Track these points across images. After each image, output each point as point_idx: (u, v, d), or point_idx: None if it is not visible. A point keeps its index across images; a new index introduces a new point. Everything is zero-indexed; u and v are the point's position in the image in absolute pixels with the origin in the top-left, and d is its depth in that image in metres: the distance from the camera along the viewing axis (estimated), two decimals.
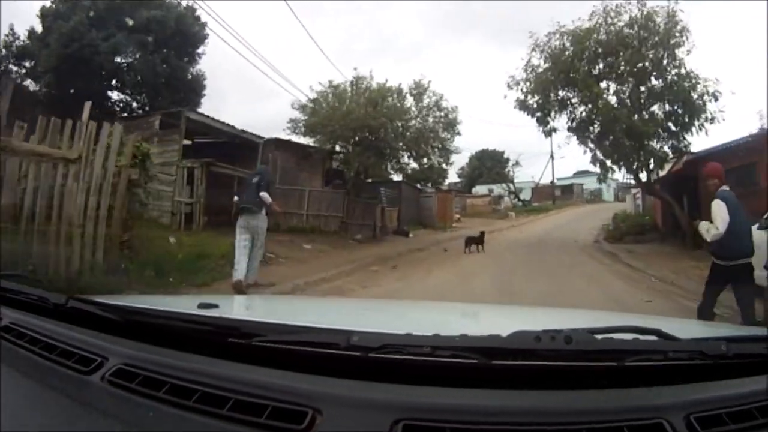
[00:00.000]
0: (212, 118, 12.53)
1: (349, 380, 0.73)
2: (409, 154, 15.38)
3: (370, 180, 16.72)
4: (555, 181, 40.44)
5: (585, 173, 44.57)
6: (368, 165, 14.66)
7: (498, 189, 38.07)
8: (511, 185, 38.28)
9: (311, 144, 15.01)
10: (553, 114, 13.00)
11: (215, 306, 1.08)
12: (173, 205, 10.62)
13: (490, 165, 40.88)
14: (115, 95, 15.84)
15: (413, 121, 14.90)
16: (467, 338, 0.73)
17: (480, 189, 40.65)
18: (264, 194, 6.03)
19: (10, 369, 0.89)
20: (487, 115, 79.91)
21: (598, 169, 13.25)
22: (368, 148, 14.19)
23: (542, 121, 13.15)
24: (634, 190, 21.74)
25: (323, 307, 1.83)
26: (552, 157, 39.41)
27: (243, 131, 13.52)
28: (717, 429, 0.67)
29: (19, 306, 1.10)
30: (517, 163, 38.71)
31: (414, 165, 15.98)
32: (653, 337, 0.78)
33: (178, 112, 11.95)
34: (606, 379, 0.73)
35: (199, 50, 16.14)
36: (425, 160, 15.64)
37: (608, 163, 12.71)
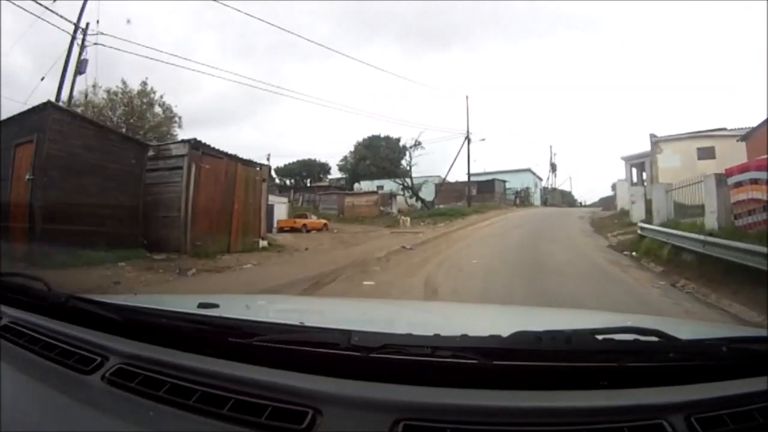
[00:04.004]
0: None
1: (349, 380, 0.73)
2: None
3: None
4: (470, 175, 27.05)
5: (498, 172, 33.57)
6: None
7: (390, 185, 27.58)
8: (407, 180, 25.97)
9: None
10: None
11: (216, 305, 1.07)
12: None
13: (381, 153, 27.97)
14: None
15: None
16: (468, 338, 0.74)
17: (366, 185, 29.17)
18: None
19: (10, 368, 0.90)
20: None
21: None
22: None
23: None
24: (657, 186, 10.35)
25: (324, 307, 1.82)
26: (468, 139, 26.32)
27: None
28: (717, 430, 0.67)
29: (19, 305, 1.10)
30: (417, 144, 26.09)
31: None
32: (654, 338, 0.78)
33: None
34: (607, 380, 0.73)
35: None
36: None
37: None
